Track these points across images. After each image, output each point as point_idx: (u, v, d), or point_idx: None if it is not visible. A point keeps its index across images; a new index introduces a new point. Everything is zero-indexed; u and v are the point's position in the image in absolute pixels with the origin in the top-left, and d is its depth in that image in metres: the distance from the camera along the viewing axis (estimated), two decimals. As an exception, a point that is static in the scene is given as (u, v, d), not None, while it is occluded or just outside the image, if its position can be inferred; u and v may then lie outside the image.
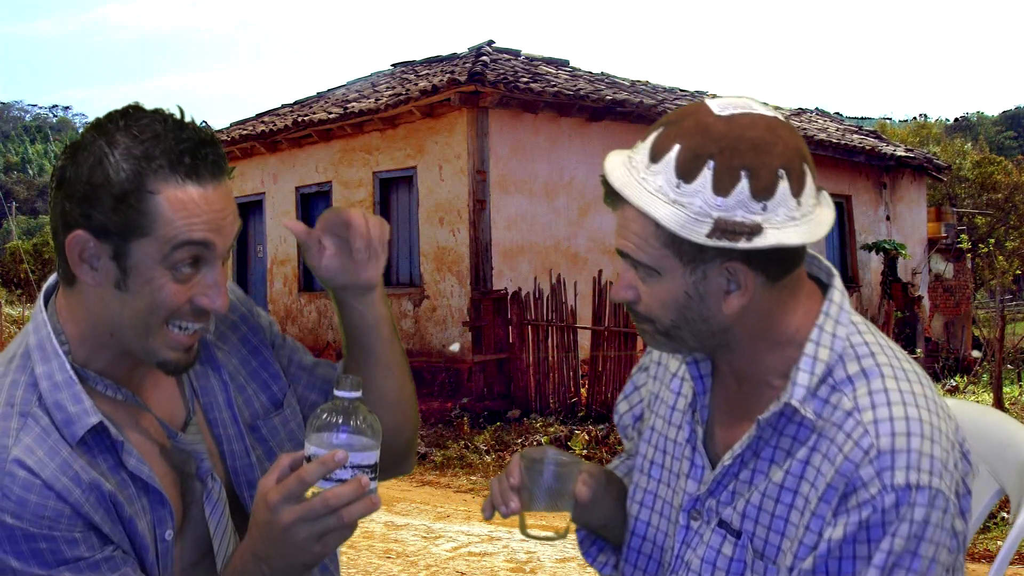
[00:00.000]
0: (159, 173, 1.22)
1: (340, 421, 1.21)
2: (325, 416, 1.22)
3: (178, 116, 1.26)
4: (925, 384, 1.30)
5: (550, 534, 1.43)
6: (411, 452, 1.61)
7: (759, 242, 1.21)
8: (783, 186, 1.22)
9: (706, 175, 1.21)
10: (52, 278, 1.37)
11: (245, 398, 1.48)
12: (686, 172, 1.22)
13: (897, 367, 1.30)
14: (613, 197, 1.29)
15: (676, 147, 1.23)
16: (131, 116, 1.25)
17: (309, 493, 1.20)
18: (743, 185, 1.21)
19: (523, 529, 1.40)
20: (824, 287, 1.37)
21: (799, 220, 1.24)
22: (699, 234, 1.22)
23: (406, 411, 1.55)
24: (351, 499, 1.19)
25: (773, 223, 1.22)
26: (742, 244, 1.21)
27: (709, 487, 1.37)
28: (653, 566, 1.46)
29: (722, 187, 1.21)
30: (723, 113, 1.24)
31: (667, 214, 1.22)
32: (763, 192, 1.21)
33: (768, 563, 1.30)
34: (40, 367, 1.27)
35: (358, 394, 1.22)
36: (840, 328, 1.31)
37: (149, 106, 1.28)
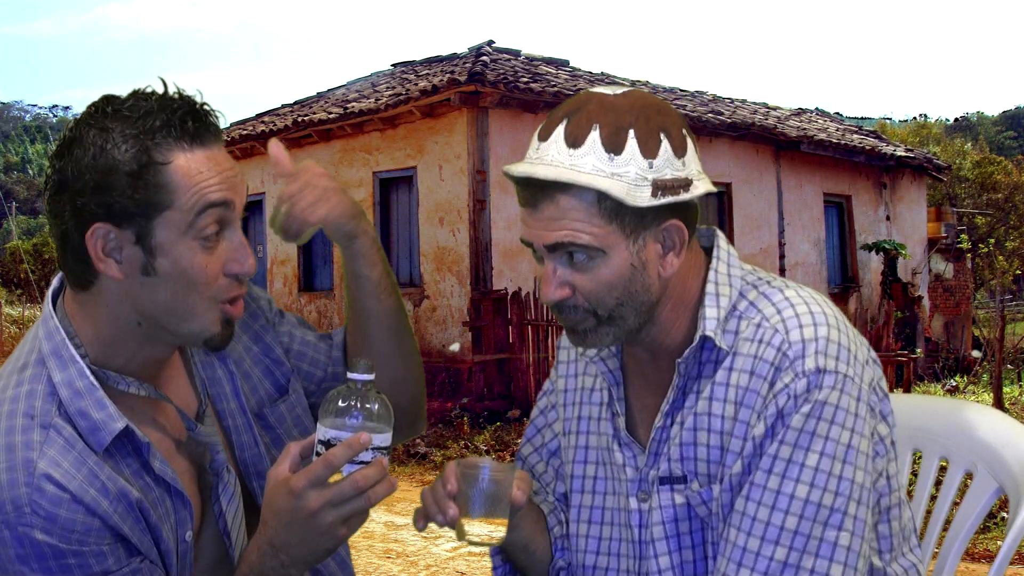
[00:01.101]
0: (164, 143, 1.20)
1: (356, 404, 1.22)
2: (340, 400, 1.22)
3: (160, 90, 1.25)
4: (823, 296, 1.38)
5: (490, 540, 1.43)
6: (421, 411, 1.61)
7: (694, 191, 1.31)
8: (690, 143, 1.33)
9: (632, 144, 1.28)
10: (56, 281, 1.33)
11: (251, 386, 1.47)
12: (614, 145, 1.27)
13: (794, 285, 1.38)
14: (541, 192, 1.30)
15: (595, 127, 1.28)
16: (112, 102, 1.23)
17: (332, 479, 1.21)
18: (665, 145, 1.29)
19: (460, 535, 1.38)
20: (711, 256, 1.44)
21: (702, 174, 1.34)
22: (644, 198, 1.28)
23: (404, 365, 1.54)
24: (376, 480, 1.20)
25: (694, 175, 1.32)
26: (683, 196, 1.29)
27: (647, 461, 1.40)
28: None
29: (649, 150, 1.28)
30: (616, 92, 1.33)
31: (612, 186, 1.27)
32: (680, 149, 1.31)
33: (707, 489, 1.34)
34: (58, 375, 1.23)
35: (371, 376, 1.23)
36: (734, 269, 1.40)
37: None
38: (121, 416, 1.23)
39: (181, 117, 1.21)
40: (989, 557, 5.37)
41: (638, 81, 16.02)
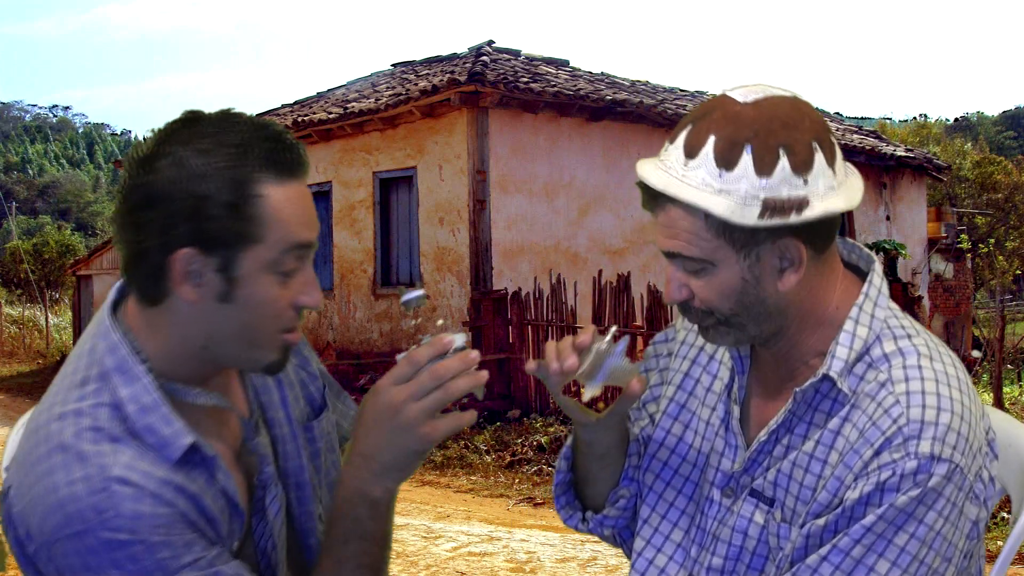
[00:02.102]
0: (262, 176, 1.19)
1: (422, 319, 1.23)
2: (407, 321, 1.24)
3: (241, 113, 1.24)
4: (959, 368, 1.33)
5: (585, 413, 1.40)
6: None
7: (808, 214, 1.25)
8: (819, 158, 1.27)
9: (746, 159, 1.24)
10: (114, 292, 1.30)
11: (294, 395, 1.46)
12: (726, 161, 1.25)
13: (934, 348, 1.33)
14: (654, 200, 1.31)
15: (711, 139, 1.26)
16: (202, 121, 1.21)
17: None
18: (783, 163, 1.25)
19: (556, 392, 1.37)
20: (863, 275, 1.41)
21: (837, 188, 1.29)
22: (751, 217, 1.25)
23: None
24: (458, 371, 1.20)
25: (816, 194, 1.26)
26: (793, 219, 1.25)
27: (744, 465, 1.40)
28: (659, 539, 1.49)
29: (764, 168, 1.24)
30: (747, 100, 1.28)
31: (716, 204, 1.24)
32: (802, 166, 1.25)
33: (786, 526, 1.34)
34: (124, 390, 1.21)
35: (422, 292, 1.26)
36: (879, 310, 1.35)
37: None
38: (189, 431, 1.21)
39: (277, 148, 1.20)
40: (990, 557, 5.37)
41: (638, 81, 16.01)
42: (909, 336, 1.33)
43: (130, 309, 1.28)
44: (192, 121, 1.22)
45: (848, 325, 1.33)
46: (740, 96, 1.29)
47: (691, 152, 1.27)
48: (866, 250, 1.42)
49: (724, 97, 1.30)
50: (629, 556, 1.59)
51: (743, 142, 1.24)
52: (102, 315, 1.29)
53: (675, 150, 1.29)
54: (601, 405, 1.45)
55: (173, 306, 1.23)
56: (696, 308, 1.35)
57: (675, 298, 1.35)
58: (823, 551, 1.25)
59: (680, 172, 1.27)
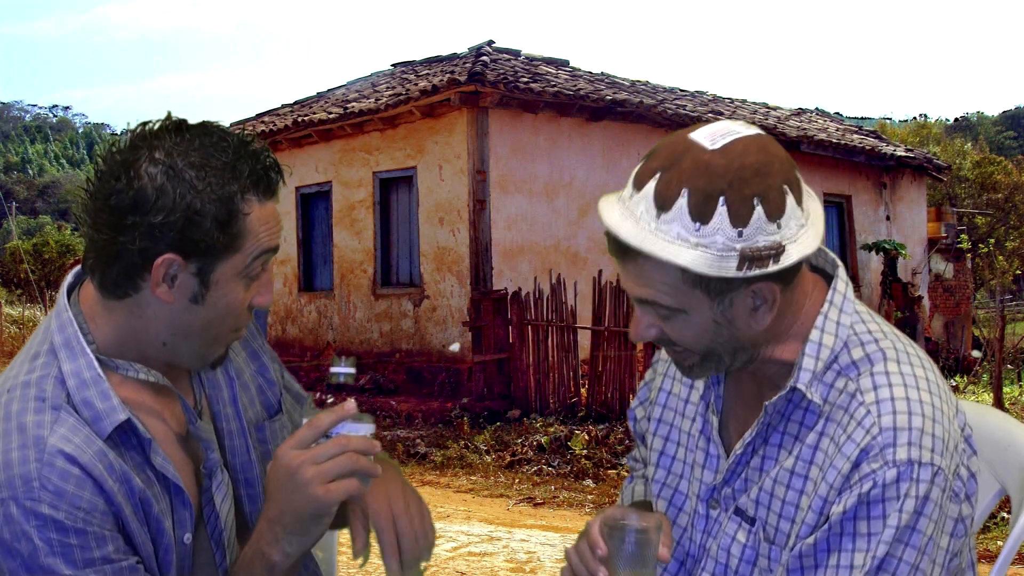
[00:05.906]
0: (248, 195, 1.27)
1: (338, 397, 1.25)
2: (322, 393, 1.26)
3: (224, 127, 1.29)
4: (928, 368, 1.33)
5: None
6: None
7: (785, 260, 1.24)
8: (790, 200, 1.25)
9: (722, 212, 1.22)
10: (70, 277, 1.36)
11: (248, 398, 1.49)
12: (701, 214, 1.22)
13: (901, 350, 1.33)
14: (625, 252, 1.27)
15: (684, 192, 1.23)
16: (189, 132, 1.26)
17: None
18: (758, 212, 1.23)
19: None
20: (829, 278, 1.40)
21: (806, 225, 1.28)
22: (729, 269, 1.23)
23: None
24: (363, 448, 1.23)
25: (788, 237, 1.25)
26: (771, 267, 1.24)
27: (724, 476, 1.41)
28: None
29: (739, 219, 1.22)
30: (715, 146, 1.24)
31: (694, 258, 1.23)
32: (775, 212, 1.24)
33: (776, 548, 1.34)
34: (67, 365, 1.27)
35: (353, 370, 1.29)
36: (844, 316, 1.35)
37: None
38: (124, 408, 1.26)
39: (264, 171, 1.29)
40: (990, 557, 5.37)
41: (638, 81, 16.01)
42: (876, 340, 1.34)
43: (86, 295, 1.34)
44: (178, 130, 1.26)
45: (814, 335, 1.33)
46: (707, 141, 1.25)
47: (663, 205, 1.23)
48: (831, 255, 1.40)
49: (690, 143, 1.25)
50: None
51: (717, 194, 1.21)
52: (59, 296, 1.35)
53: (643, 200, 1.25)
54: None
55: (141, 302, 1.28)
56: (670, 340, 1.35)
57: (644, 336, 1.35)
58: None
59: (653, 225, 1.24)
